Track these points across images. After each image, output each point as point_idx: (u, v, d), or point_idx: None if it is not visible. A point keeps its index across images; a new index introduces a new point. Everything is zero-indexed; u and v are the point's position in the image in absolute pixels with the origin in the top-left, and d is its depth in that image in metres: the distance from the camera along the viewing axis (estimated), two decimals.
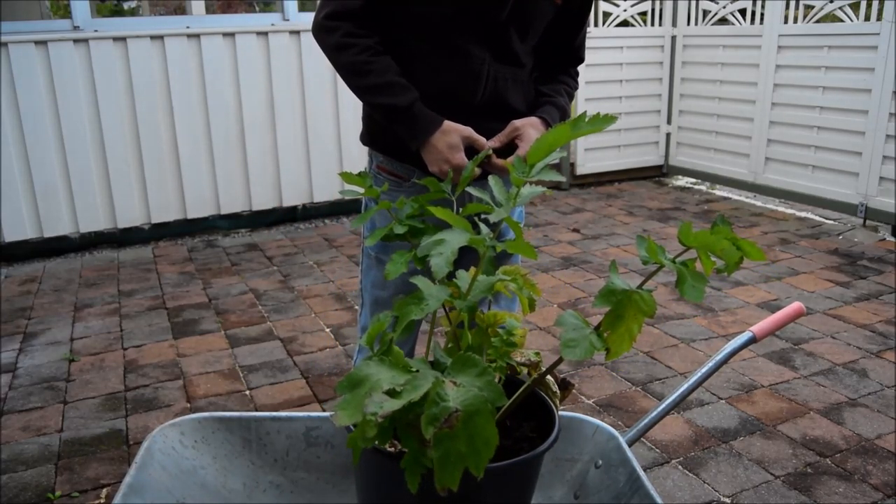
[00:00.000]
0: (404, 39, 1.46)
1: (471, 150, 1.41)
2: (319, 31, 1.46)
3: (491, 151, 1.37)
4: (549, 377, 0.94)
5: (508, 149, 1.44)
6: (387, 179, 1.57)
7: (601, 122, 0.78)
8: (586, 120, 0.79)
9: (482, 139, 1.42)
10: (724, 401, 2.59)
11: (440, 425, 0.64)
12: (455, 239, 0.79)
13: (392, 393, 0.67)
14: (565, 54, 1.63)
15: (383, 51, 1.44)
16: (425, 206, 0.92)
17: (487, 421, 0.65)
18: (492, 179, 0.91)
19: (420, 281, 0.81)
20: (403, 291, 1.59)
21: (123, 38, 4.25)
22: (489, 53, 1.45)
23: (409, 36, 1.45)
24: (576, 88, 1.65)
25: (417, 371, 0.71)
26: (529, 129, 1.44)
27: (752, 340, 1.25)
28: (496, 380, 0.87)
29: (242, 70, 4.56)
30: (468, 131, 1.41)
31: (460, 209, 1.51)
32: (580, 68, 1.68)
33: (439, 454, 0.64)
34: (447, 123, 1.40)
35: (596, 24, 5.62)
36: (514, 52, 1.49)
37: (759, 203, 5.37)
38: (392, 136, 1.47)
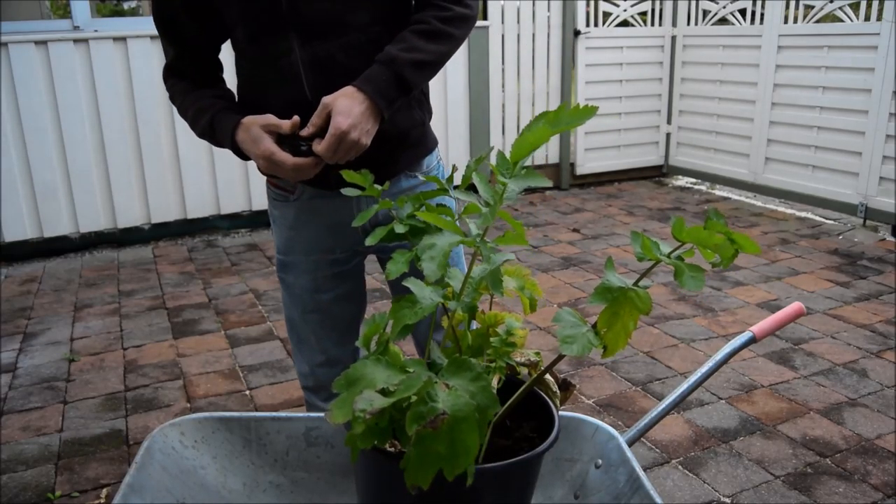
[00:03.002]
0: (242, 70, 1.40)
1: (291, 137, 1.25)
2: None
3: (302, 138, 1.25)
4: (549, 377, 0.94)
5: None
6: (274, 192, 1.50)
7: (581, 114, 0.76)
8: (566, 112, 0.77)
9: (284, 122, 1.25)
10: (724, 401, 2.59)
11: (424, 424, 0.64)
12: (444, 241, 0.79)
13: (385, 392, 0.67)
14: None
15: (205, 84, 1.40)
16: (419, 203, 0.91)
17: (472, 429, 0.65)
18: (476, 177, 0.89)
19: (413, 283, 0.81)
20: (311, 310, 1.54)
21: (123, 38, 4.25)
22: (296, 36, 1.29)
23: (242, 62, 1.39)
24: (444, 16, 1.33)
25: (413, 371, 0.71)
26: (340, 100, 1.23)
27: (752, 340, 1.25)
28: (496, 381, 0.87)
29: None
30: (267, 119, 1.26)
31: (354, 217, 1.43)
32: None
33: (417, 452, 0.64)
34: (246, 119, 1.28)
35: (596, 24, 5.63)
36: (326, 18, 1.29)
37: (759, 203, 5.37)
38: None
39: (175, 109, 1.47)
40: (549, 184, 0.81)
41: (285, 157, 1.24)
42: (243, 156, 1.33)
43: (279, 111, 1.29)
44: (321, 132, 1.25)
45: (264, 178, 1.54)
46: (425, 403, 0.65)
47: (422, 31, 1.31)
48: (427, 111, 1.47)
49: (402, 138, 1.41)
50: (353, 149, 1.25)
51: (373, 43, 1.32)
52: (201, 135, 1.38)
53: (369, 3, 1.32)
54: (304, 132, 1.25)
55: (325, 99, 1.25)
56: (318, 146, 1.24)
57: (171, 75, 1.43)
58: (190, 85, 1.40)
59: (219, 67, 1.46)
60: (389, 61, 1.28)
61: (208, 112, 1.34)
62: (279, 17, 1.29)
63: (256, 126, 1.26)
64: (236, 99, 1.43)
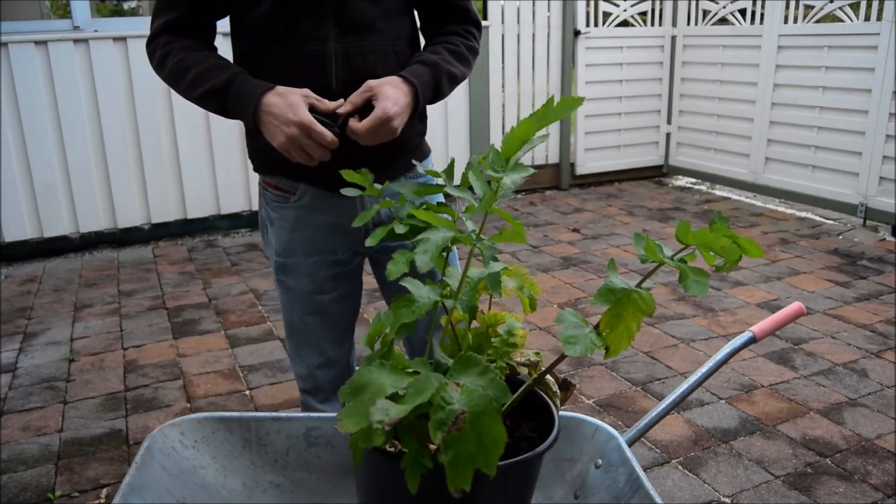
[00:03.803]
0: (248, 48, 1.37)
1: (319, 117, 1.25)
2: (150, 61, 1.38)
3: (341, 115, 1.25)
4: (549, 377, 0.94)
5: (366, 112, 1.27)
6: (272, 195, 1.48)
7: (568, 105, 0.77)
8: (554, 105, 0.78)
9: (325, 100, 1.26)
10: (724, 401, 2.59)
11: (448, 428, 0.64)
12: (439, 236, 0.80)
13: (395, 397, 0.67)
14: (443, 12, 1.47)
15: (205, 47, 1.36)
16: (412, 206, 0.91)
17: (494, 420, 0.65)
18: (472, 174, 0.90)
19: (410, 282, 0.81)
20: (311, 312, 1.52)
21: (123, 38, 4.25)
22: (334, 27, 1.32)
23: (250, 40, 1.36)
24: (469, 45, 1.46)
25: (419, 374, 0.71)
26: (386, 87, 1.27)
27: (752, 340, 1.24)
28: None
29: None
30: (307, 91, 1.26)
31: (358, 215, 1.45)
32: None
33: (450, 457, 0.64)
34: (280, 87, 1.26)
35: (596, 24, 5.63)
36: (364, 19, 1.34)
37: (759, 203, 5.37)
38: (271, 151, 1.31)
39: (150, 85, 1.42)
40: (531, 171, 0.82)
41: (324, 129, 1.23)
42: (254, 124, 1.28)
43: None
44: (353, 113, 1.27)
45: (258, 178, 1.54)
46: (442, 408, 0.65)
47: (453, 50, 1.42)
48: (425, 124, 1.54)
49: (403, 144, 1.44)
50: (388, 135, 1.28)
51: (396, 54, 1.39)
52: (203, 95, 1.31)
53: (400, 19, 1.40)
54: (342, 110, 1.27)
55: (371, 82, 1.28)
56: (358, 123, 1.25)
57: (168, 32, 1.36)
58: (193, 43, 1.36)
59: (214, 36, 1.44)
60: (433, 65, 1.36)
61: (226, 71, 1.30)
62: (322, 6, 1.31)
63: (296, 94, 1.25)
64: None
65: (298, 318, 1.54)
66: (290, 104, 1.23)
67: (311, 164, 1.27)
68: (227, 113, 1.32)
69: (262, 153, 1.42)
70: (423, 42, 1.50)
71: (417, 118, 1.47)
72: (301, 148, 1.25)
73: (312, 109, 1.25)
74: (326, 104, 1.27)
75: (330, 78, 1.33)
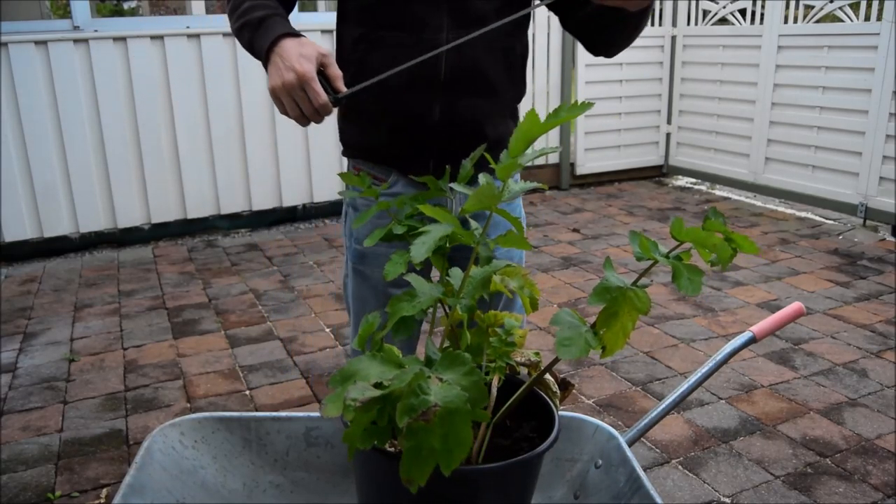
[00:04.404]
0: (360, 32, 1.37)
1: (325, 79, 1.22)
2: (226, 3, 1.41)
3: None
4: (549, 377, 0.94)
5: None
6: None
7: (578, 108, 0.78)
8: (565, 108, 0.79)
9: (339, 71, 1.23)
10: (724, 401, 2.59)
11: (416, 417, 0.63)
12: (438, 231, 0.80)
13: (379, 386, 0.67)
14: None
15: None
16: (414, 204, 0.91)
17: (465, 421, 0.64)
18: (482, 177, 0.90)
19: (413, 279, 0.81)
20: (385, 304, 1.52)
21: (123, 38, 4.25)
22: (448, 18, 1.33)
23: (361, 24, 1.37)
24: None
25: (407, 367, 0.71)
26: None
27: (752, 340, 1.24)
28: (496, 381, 0.87)
29: (242, 70, 4.56)
30: (326, 51, 1.24)
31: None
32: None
33: (410, 445, 0.63)
34: (305, 39, 1.25)
35: None
36: (479, 11, 1.34)
37: (759, 203, 5.37)
38: (366, 136, 1.35)
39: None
40: (534, 185, 0.82)
41: (321, 90, 1.20)
42: (264, 62, 1.27)
43: (404, 81, 1.29)
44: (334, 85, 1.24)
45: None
46: (416, 396, 0.64)
47: None
48: (518, 125, 1.53)
49: (498, 143, 1.44)
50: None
51: (504, 50, 1.38)
52: (241, 26, 1.32)
53: (508, 14, 1.39)
54: None
55: None
56: None
57: None
58: None
59: (293, 7, 1.44)
60: None
61: (268, 9, 1.30)
62: None
63: (312, 48, 1.23)
64: (341, 59, 1.41)
65: (371, 311, 1.52)
66: (302, 54, 1.21)
67: (302, 123, 1.25)
68: (252, 49, 1.31)
69: (355, 137, 1.41)
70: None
71: (511, 119, 1.49)
72: (291, 99, 1.21)
73: (321, 72, 1.22)
74: (336, 71, 1.23)
75: (440, 67, 1.34)
